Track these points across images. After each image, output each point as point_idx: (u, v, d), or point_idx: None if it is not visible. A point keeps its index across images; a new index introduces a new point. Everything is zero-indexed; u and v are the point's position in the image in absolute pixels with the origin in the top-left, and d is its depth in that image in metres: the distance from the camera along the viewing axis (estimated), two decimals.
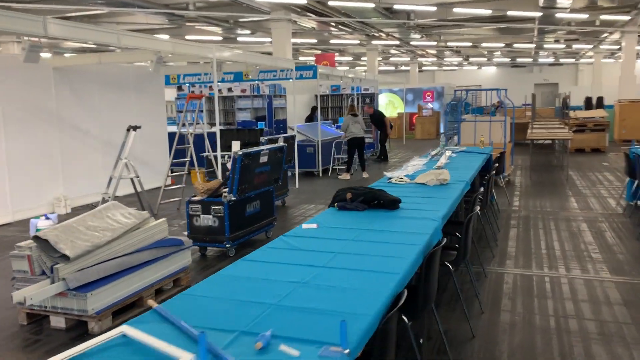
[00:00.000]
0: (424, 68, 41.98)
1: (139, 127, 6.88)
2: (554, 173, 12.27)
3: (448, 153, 7.78)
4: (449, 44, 26.55)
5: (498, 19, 20.27)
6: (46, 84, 9.01)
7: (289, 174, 11.94)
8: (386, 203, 4.16)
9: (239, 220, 6.33)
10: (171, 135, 9.36)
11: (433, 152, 7.87)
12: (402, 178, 5.55)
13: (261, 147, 6.53)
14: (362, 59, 32.09)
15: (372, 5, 15.63)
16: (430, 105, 24.92)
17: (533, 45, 26.86)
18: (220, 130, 12.29)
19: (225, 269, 2.81)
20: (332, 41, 24.39)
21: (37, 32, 5.22)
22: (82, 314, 4.27)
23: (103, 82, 10.13)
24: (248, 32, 21.92)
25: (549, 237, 6.81)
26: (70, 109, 9.45)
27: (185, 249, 5.37)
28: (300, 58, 32.33)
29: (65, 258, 4.31)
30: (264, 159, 6.49)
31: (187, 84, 14.11)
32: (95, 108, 9.99)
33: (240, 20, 20.16)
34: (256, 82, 15.67)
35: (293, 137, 9.11)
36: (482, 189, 5.27)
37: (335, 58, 32.98)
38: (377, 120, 14.62)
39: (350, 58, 32.75)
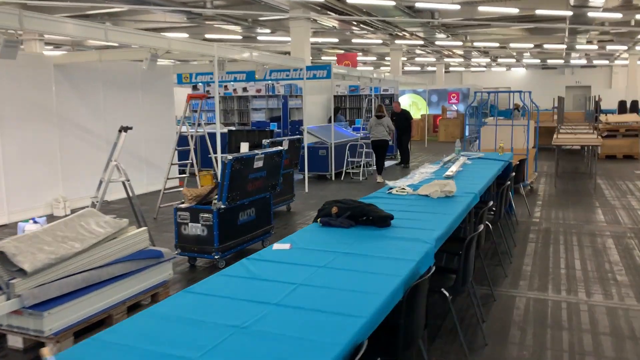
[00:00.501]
0: (450, 69, 41.10)
1: (131, 128, 6.49)
2: (581, 181, 11.55)
3: (462, 160, 7.22)
4: (475, 44, 25.79)
5: (526, 19, 19.49)
6: (46, 81, 8.73)
7: (296, 177, 11.51)
8: (375, 220, 3.66)
9: (230, 230, 5.88)
10: (183, 136, 8.97)
11: (446, 159, 7.31)
12: (404, 188, 5.04)
13: (255, 152, 6.06)
14: (386, 58, 31.46)
15: (392, 3, 15.08)
16: (454, 107, 24.20)
17: (564, 46, 25.89)
18: (230, 130, 11.96)
19: (159, 304, 2.36)
20: (354, 40, 23.88)
21: (11, 26, 4.88)
22: (39, 335, 3.88)
23: (108, 80, 9.83)
24: (268, 31, 21.57)
25: (570, 254, 6.21)
26: (71, 107, 9.16)
27: (166, 262, 4.95)
28: (323, 58, 31.89)
29: (23, 272, 3.93)
30: (258, 164, 6.03)
31: (201, 83, 13.77)
32: (99, 107, 9.69)
33: (260, 19, 19.83)
34: (271, 82, 15.28)
35: (299, 139, 8.66)
36: (491, 202, 4.73)
37: (359, 58, 32.46)
38: (402, 120, 13.69)
39: (374, 58, 32.17)
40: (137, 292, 4.64)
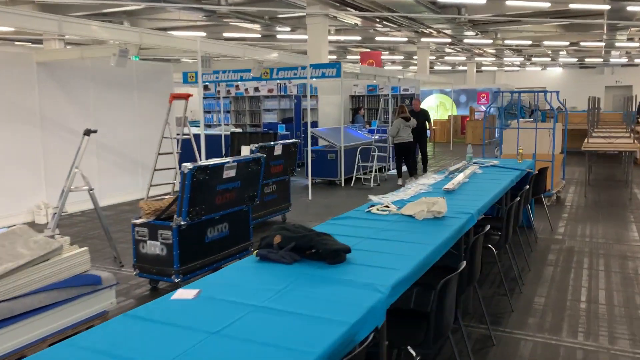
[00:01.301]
0: (483, 68, 39.73)
1: (95, 132, 5.84)
2: (615, 190, 10.45)
3: (472, 169, 6.34)
4: (506, 42, 24.55)
5: (560, 14, 18.28)
6: (28, 80, 8.19)
7: (304, 182, 10.73)
8: (325, 254, 2.87)
9: (196, 248, 5.18)
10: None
11: (453, 167, 6.44)
12: (387, 206, 4.22)
13: (226, 160, 5.32)
14: (414, 57, 30.41)
15: None
16: (483, 107, 23.06)
17: (602, 44, 24.45)
18: (232, 133, 11.28)
19: None
20: (377, 38, 22.97)
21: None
22: None
23: (98, 79, 9.26)
24: (288, 29, 20.87)
25: (594, 282, 5.27)
26: (56, 108, 8.61)
27: (106, 289, 4.25)
28: (349, 57, 31.04)
29: None
30: (229, 173, 5.29)
31: (208, 83, 13.15)
32: (87, 107, 9.12)
33: (278, 16, 19.16)
34: (282, 81, 14.57)
35: (295, 143, 7.89)
36: (488, 226, 3.87)
37: (386, 57, 31.51)
38: (422, 121, 12.37)
39: (402, 57, 31.16)
40: (65, 327, 3.95)
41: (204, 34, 20.67)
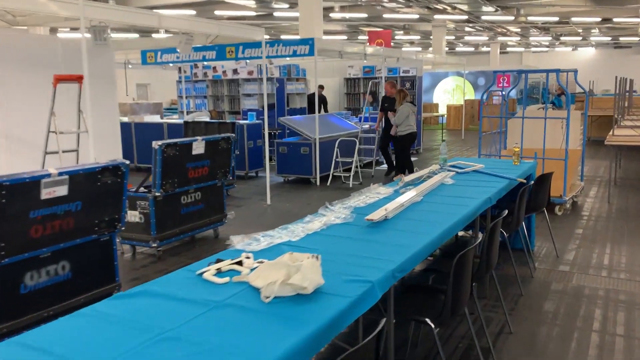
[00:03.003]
0: (508, 49, 37.22)
1: None
2: None
3: (439, 178, 4.53)
4: (530, 18, 22.22)
5: None
6: None
7: (275, 180, 8.91)
8: None
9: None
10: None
11: (414, 175, 4.64)
12: (239, 262, 2.49)
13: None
14: (431, 37, 28.21)
15: None
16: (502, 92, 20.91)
17: (639, 20, 21.95)
18: (185, 122, 9.64)
19: None
20: (386, 16, 20.93)
21: None
22: None
23: (8, 59, 7.65)
24: (286, 5, 19.04)
25: (606, 355, 3.46)
26: None
27: None
28: (360, 37, 28.97)
29: None
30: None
31: (171, 63, 11.48)
32: None
33: None
34: (260, 61, 12.82)
35: (228, 138, 6.12)
36: (382, 319, 2.12)
37: (401, 37, 29.36)
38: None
39: (418, 37, 28.98)
40: None
41: (193, 12, 19.00)
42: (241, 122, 10.28)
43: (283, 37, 24.14)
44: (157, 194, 5.46)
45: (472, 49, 36.91)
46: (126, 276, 5.10)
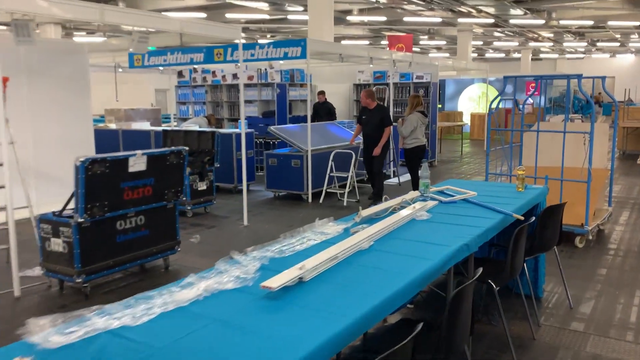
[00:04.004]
0: (541, 55, 35.59)
1: None
2: None
3: (411, 212, 3.51)
4: (562, 22, 20.83)
5: None
6: None
7: (264, 196, 7.83)
8: None
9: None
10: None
11: (380, 207, 3.62)
12: None
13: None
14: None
15: None
16: (530, 99, 19.64)
17: None
18: (164, 131, 8.77)
19: None
20: (406, 19, 19.85)
21: None
22: None
23: None
24: (300, 8, 18.19)
25: None
26: None
27: None
28: (383, 42, 27.89)
29: None
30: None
31: (160, 66, 10.67)
32: None
33: None
34: (262, 66, 11.93)
35: (179, 152, 5.16)
36: None
37: (425, 42, 28.17)
38: (377, 121, 8.09)
39: (444, 42, 27.75)
40: None
41: (204, 15, 18.29)
42: (229, 130, 9.39)
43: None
44: (80, 219, 4.49)
45: (503, 55, 35.43)
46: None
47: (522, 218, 3.56)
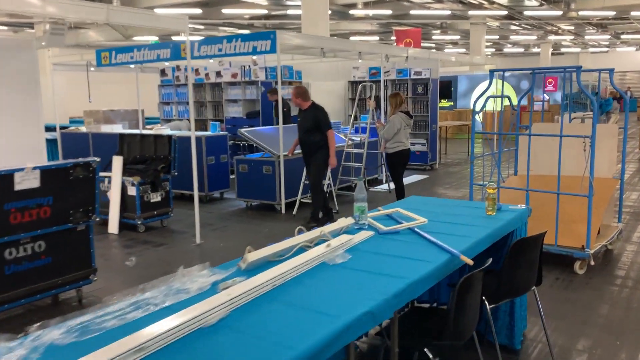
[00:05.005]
0: (563, 50, 34.12)
1: None
2: None
3: (321, 250, 2.60)
4: (582, 13, 19.56)
5: None
6: None
7: (232, 207, 6.83)
8: None
9: None
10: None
11: (253, 256, 2.72)
12: None
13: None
14: None
15: None
16: (546, 95, 18.44)
17: None
18: (120, 135, 7.97)
19: None
20: (414, 12, 18.81)
21: None
22: None
23: None
24: (299, 3, 17.30)
25: None
26: None
27: None
28: (392, 38, 26.80)
29: None
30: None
31: (132, 64, 9.86)
32: None
33: None
34: (245, 63, 11.06)
35: (87, 165, 4.32)
36: None
37: (439, 37, 27.00)
38: (311, 123, 6.78)
39: (458, 36, 26.57)
40: None
41: (199, 10, 17.51)
42: (200, 133, 8.55)
43: None
44: None
45: (522, 49, 34.02)
46: None
47: (471, 262, 2.60)
